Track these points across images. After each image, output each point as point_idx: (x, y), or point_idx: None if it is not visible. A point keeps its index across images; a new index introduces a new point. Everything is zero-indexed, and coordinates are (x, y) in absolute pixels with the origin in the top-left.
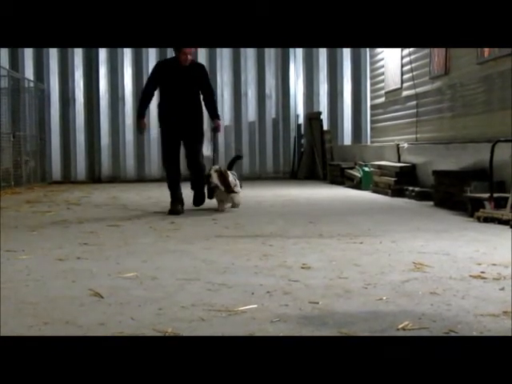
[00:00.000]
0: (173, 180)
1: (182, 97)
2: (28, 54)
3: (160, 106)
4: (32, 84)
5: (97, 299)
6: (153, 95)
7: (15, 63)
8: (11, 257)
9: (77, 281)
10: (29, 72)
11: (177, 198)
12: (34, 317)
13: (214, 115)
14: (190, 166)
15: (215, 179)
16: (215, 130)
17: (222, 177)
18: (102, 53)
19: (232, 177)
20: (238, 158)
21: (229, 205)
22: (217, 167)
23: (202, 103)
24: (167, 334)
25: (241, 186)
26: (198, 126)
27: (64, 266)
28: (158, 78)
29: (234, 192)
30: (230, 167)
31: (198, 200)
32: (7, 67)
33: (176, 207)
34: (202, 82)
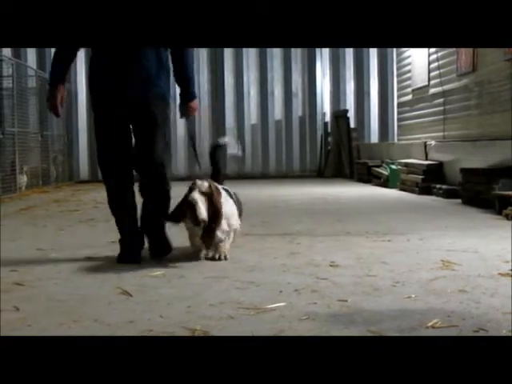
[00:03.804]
0: (120, 205)
1: (131, 57)
2: None
3: (92, 68)
4: None
5: (125, 297)
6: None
7: (43, 63)
8: (41, 255)
9: (105, 279)
10: None
11: (128, 238)
12: (64, 315)
13: (186, 91)
14: (143, 173)
15: (203, 213)
16: (184, 112)
17: (210, 203)
18: None
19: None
20: (219, 147)
21: (209, 254)
22: (205, 185)
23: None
24: (196, 332)
25: (240, 214)
26: (159, 103)
27: (93, 264)
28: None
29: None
30: (216, 177)
31: (158, 245)
32: (35, 67)
33: (127, 255)
34: None
